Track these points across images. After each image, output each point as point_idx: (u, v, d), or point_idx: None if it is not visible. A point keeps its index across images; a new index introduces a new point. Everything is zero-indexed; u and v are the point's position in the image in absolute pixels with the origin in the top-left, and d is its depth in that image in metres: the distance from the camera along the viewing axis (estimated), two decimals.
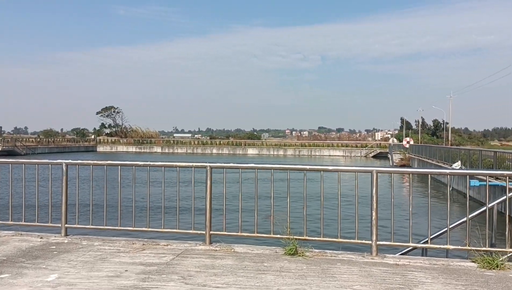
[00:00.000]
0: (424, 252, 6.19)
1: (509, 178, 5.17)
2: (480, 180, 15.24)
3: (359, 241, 5.28)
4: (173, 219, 6.13)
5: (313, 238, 5.40)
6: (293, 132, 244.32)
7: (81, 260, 4.97)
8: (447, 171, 5.05)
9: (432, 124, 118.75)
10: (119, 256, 5.14)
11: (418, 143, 64.61)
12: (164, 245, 5.65)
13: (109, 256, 5.15)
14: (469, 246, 5.03)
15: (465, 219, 5.93)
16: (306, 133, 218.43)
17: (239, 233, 5.67)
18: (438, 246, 5.17)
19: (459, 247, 5.10)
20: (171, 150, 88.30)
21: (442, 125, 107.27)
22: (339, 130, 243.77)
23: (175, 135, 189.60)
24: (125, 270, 4.58)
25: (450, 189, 23.83)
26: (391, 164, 50.31)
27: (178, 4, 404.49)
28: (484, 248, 4.94)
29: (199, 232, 5.75)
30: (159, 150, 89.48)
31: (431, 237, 6.05)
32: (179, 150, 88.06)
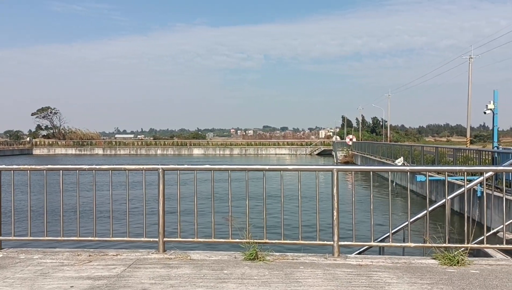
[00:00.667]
0: (381, 250, 6.17)
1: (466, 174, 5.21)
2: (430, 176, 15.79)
3: (321, 242, 5.13)
4: (122, 226, 5.69)
5: (274, 241, 5.19)
6: (238, 131, 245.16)
7: (19, 276, 4.45)
8: (407, 168, 5.02)
9: (371, 122, 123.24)
10: (63, 270, 4.66)
11: (359, 140, 66.66)
12: (114, 255, 5.21)
13: (51, 270, 4.65)
14: (428, 242, 5.02)
15: (424, 212, 5.95)
16: (251, 132, 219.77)
17: (195, 239, 5.34)
18: (400, 244, 5.12)
19: (420, 244, 5.09)
20: (113, 152, 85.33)
21: (380, 122, 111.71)
22: (284, 128, 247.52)
23: (117, 136, 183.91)
24: (71, 286, 4.13)
25: (394, 184, 24.60)
26: (335, 162, 51.49)
27: (117, 1, 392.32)
28: (444, 245, 4.94)
29: (151, 239, 5.36)
30: (100, 151, 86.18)
31: (391, 233, 6.03)
32: (122, 152, 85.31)
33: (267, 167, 5.17)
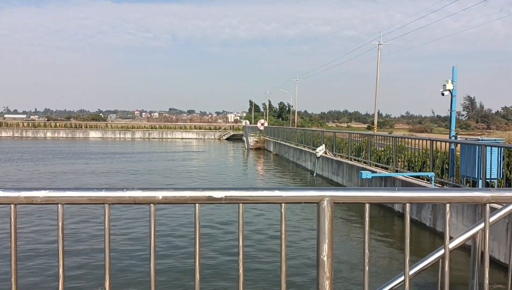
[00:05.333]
0: None
1: None
2: (373, 171, 13.65)
3: None
4: None
5: None
6: (143, 113, 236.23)
7: None
8: (489, 194, 2.53)
9: (278, 107, 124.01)
10: None
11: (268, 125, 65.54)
12: None
13: None
14: None
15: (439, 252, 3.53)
16: (156, 114, 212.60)
17: None
18: None
19: None
20: None
21: (286, 107, 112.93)
22: (190, 111, 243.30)
23: (6, 116, 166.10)
24: None
25: (314, 174, 22.88)
26: (246, 147, 49.47)
27: None
28: None
29: None
30: None
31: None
32: (4, 134, 75.27)
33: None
